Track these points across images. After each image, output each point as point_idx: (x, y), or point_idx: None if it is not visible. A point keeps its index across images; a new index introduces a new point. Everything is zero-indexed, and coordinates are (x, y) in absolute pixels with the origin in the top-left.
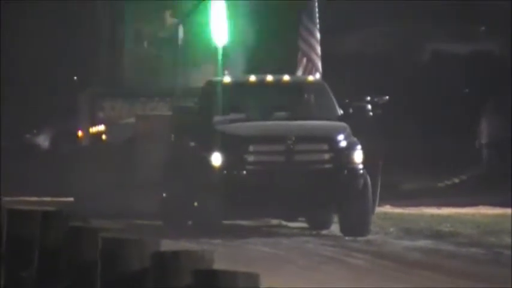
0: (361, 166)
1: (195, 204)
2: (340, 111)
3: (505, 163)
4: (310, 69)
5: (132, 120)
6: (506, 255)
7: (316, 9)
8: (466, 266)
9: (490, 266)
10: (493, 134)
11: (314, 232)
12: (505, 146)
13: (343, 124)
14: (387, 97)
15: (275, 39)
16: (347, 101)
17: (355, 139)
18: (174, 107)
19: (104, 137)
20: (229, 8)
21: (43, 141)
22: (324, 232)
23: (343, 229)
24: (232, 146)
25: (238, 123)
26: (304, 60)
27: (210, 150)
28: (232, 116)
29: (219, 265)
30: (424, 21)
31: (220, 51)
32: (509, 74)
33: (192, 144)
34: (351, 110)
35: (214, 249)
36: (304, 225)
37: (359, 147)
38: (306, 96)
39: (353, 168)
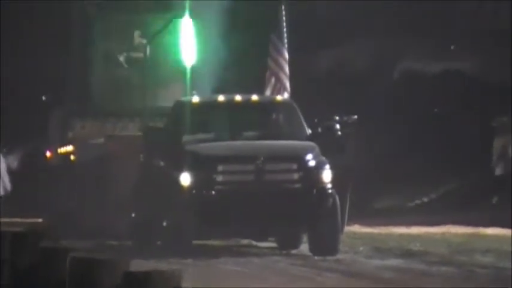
0: (330, 185)
1: (165, 224)
2: (309, 131)
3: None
4: (278, 88)
5: (101, 140)
6: (478, 274)
7: (285, 29)
8: (438, 284)
9: (461, 285)
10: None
11: (284, 252)
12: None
13: (311, 144)
14: (356, 116)
15: (244, 59)
16: (316, 120)
17: (323, 158)
18: (143, 127)
19: (72, 157)
20: (197, 27)
21: (12, 161)
22: (294, 251)
23: (312, 248)
24: (201, 165)
25: (207, 143)
26: (273, 79)
27: (179, 170)
28: (201, 135)
29: (189, 284)
30: (394, 40)
31: (188, 71)
32: (484, 93)
33: (162, 164)
34: (319, 130)
35: (184, 269)
36: (274, 244)
37: (328, 166)
38: (274, 115)
39: (322, 188)
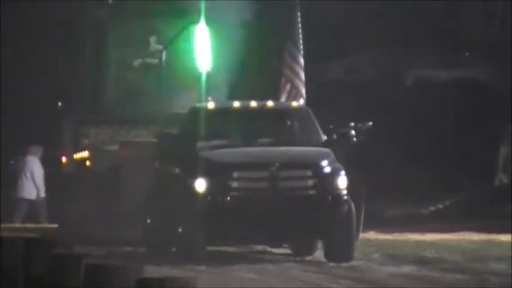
0: (345, 192)
1: (179, 230)
2: (324, 137)
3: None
4: (294, 95)
5: (116, 147)
6: (492, 282)
7: (300, 36)
8: None
9: None
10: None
11: (298, 258)
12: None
13: (327, 150)
14: (371, 123)
15: (259, 65)
16: (331, 126)
17: (339, 165)
18: (158, 133)
19: (88, 163)
20: (213, 34)
21: None
22: (308, 258)
23: (327, 255)
24: (216, 172)
25: (222, 150)
26: (288, 86)
27: (193, 177)
28: (216, 142)
29: None
30: (407, 48)
31: (204, 77)
32: (493, 101)
33: (176, 170)
34: (334, 136)
35: (198, 276)
36: (288, 251)
37: (343, 173)
38: (289, 122)
39: (337, 195)
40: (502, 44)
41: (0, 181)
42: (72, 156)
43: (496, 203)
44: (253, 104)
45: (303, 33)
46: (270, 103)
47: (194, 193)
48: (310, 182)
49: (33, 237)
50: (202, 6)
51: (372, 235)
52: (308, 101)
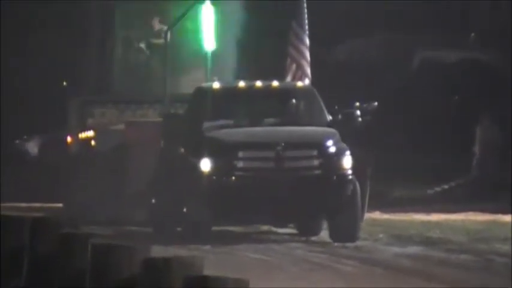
0: (350, 172)
1: (185, 210)
2: (330, 117)
3: (497, 170)
4: (299, 75)
5: (121, 126)
6: (497, 262)
7: (306, 16)
8: (457, 273)
9: (481, 273)
10: (486, 141)
11: (303, 238)
12: (498, 154)
13: (332, 130)
14: (376, 103)
15: (265, 45)
16: (336, 107)
17: (344, 145)
18: (163, 113)
19: (93, 143)
20: (218, 13)
21: (32, 147)
22: (313, 238)
23: (332, 235)
24: (221, 152)
25: (228, 129)
26: (294, 66)
27: (199, 156)
28: (222, 122)
29: (208, 271)
30: (413, 29)
31: (209, 57)
32: (499, 82)
33: (182, 150)
34: (340, 116)
35: (204, 256)
36: (294, 231)
37: (348, 153)
38: (295, 102)
39: (342, 174)
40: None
41: (7, 161)
42: (78, 136)
43: (506, 183)
44: (259, 84)
45: (309, 14)
46: (275, 83)
47: (199, 173)
48: (316, 162)
49: (39, 217)
50: None
51: (377, 215)
52: (313, 81)
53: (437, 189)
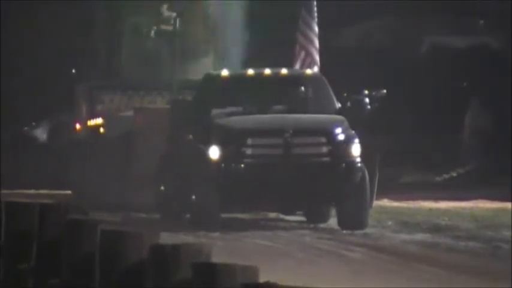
0: (358, 159)
1: (193, 197)
2: (338, 105)
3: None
4: (308, 62)
5: (130, 113)
6: (505, 249)
7: (315, 3)
8: (464, 259)
9: (488, 260)
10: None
11: (312, 225)
12: (496, 140)
13: (340, 117)
14: (385, 91)
15: (274, 32)
16: (345, 94)
17: (352, 132)
18: (172, 100)
19: (102, 129)
20: (227, 1)
21: (41, 134)
22: (322, 225)
23: (340, 222)
24: (230, 139)
25: (236, 117)
26: (303, 53)
27: (207, 144)
28: (230, 109)
29: (217, 258)
30: (422, 14)
31: (218, 44)
32: (508, 68)
33: (190, 137)
34: (348, 104)
35: (212, 243)
36: (302, 218)
37: (357, 140)
38: (303, 89)
39: (351, 162)
40: None
41: (15, 147)
42: (86, 122)
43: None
44: (268, 71)
45: (318, 0)
46: (284, 70)
47: (208, 160)
48: (324, 149)
49: (48, 203)
50: None
51: (385, 202)
52: (322, 68)
53: (446, 176)
